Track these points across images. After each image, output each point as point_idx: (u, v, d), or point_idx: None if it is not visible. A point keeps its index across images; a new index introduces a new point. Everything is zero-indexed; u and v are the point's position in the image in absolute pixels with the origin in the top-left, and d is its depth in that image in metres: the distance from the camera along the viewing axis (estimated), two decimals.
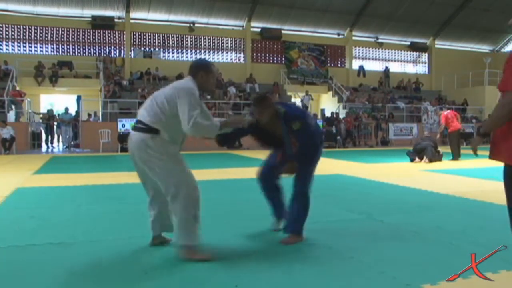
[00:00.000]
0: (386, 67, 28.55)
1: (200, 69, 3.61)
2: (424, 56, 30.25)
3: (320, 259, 3.55)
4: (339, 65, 28.03)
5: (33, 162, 12.00)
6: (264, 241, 4.14)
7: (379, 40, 28.45)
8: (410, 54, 29.98)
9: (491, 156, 2.64)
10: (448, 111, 14.01)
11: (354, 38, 27.89)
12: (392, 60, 29.51)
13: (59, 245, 3.94)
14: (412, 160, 11.94)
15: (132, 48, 24.32)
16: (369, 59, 29.02)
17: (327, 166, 11.26)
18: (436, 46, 29.62)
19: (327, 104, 25.79)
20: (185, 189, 3.44)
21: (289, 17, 25.63)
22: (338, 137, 19.80)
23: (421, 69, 30.46)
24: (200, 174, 8.76)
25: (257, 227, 4.55)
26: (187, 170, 3.54)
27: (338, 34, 27.74)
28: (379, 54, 29.21)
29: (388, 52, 29.35)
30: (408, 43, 29.25)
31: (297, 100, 24.14)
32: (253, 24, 25.70)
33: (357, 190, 7.25)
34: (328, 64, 27.36)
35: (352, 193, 7.02)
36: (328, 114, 23.03)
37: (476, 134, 2.62)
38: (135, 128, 3.55)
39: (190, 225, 3.44)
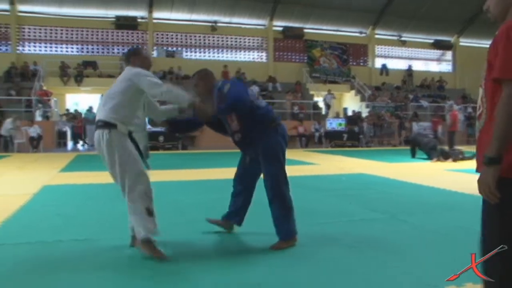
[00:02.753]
0: (409, 66, 28.27)
1: (130, 56, 3.88)
2: (448, 54, 29.83)
3: (343, 259, 3.56)
4: (361, 64, 27.83)
5: (59, 160, 12.20)
6: None
7: (402, 38, 28.15)
8: (434, 52, 29.59)
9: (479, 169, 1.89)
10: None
11: (376, 36, 27.66)
12: (415, 59, 29.17)
13: (84, 241, 4.03)
14: (430, 158, 11.88)
15: (155, 47, 24.51)
16: (392, 57, 28.72)
17: (350, 165, 11.22)
18: (461, 44, 29.18)
19: (350, 103, 25.63)
20: (140, 182, 3.54)
21: (311, 15, 25.55)
22: (361, 136, 19.69)
23: (445, 67, 30.04)
24: (216, 173, 8.82)
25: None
26: (141, 164, 3.63)
27: (361, 33, 27.54)
28: (402, 53, 28.89)
29: (411, 50, 29.00)
30: (432, 41, 28.87)
31: (319, 99, 24.08)
32: (275, 23, 25.67)
33: (380, 190, 7.21)
34: (351, 63, 27.19)
35: (375, 192, 6.97)
36: (350, 113, 22.91)
37: (485, 164, 1.79)
38: (96, 127, 3.66)
39: (145, 218, 3.48)
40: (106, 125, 3.55)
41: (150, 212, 3.51)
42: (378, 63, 28.12)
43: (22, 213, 5.18)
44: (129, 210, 3.54)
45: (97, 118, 3.67)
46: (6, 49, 22.65)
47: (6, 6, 22.18)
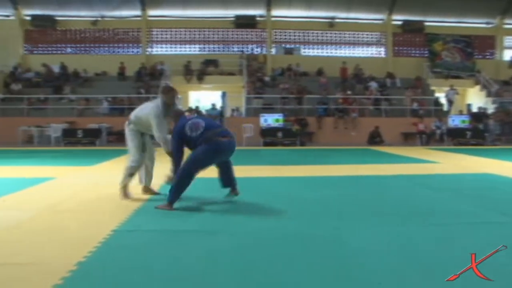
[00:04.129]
0: None
1: (161, 92, 6.00)
2: None
3: (463, 264, 3.22)
4: (488, 57, 26.22)
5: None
6: (402, 242, 4.08)
7: None
8: None
9: None
10: None
11: (505, 26, 25.89)
12: None
13: (204, 232, 4.34)
14: None
15: (273, 45, 25.06)
16: None
17: (474, 164, 10.72)
18: None
19: (474, 99, 24.25)
20: (132, 158, 5.91)
21: (432, 7, 24.57)
22: (486, 134, 18.64)
23: None
24: (339, 169, 8.87)
25: (403, 227, 4.58)
26: (138, 149, 5.91)
27: (487, 23, 25.97)
28: None
29: None
30: None
31: (441, 95, 23.14)
32: (394, 17, 25.07)
33: (509, 191, 6.79)
34: (476, 56, 25.69)
35: (503, 193, 6.56)
36: (475, 109, 21.74)
37: None
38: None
39: (126, 176, 5.87)
40: (129, 123, 5.94)
41: (131, 175, 5.88)
42: (507, 55, 26.31)
43: (151, 203, 5.60)
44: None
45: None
46: (138, 51, 24.68)
47: (138, 12, 24.23)
